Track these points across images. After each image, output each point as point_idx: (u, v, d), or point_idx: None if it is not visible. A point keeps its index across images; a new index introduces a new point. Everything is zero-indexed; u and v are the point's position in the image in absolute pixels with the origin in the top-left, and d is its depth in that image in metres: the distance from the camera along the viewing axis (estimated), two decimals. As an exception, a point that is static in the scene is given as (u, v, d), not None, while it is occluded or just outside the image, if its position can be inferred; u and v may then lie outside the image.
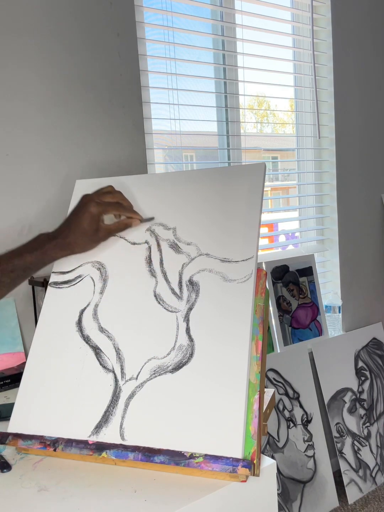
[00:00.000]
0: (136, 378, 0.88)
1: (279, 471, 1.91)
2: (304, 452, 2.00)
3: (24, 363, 1.36)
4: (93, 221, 0.98)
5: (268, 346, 1.98)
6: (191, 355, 0.87)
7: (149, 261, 0.99)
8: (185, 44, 1.87)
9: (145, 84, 1.71)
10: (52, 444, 0.85)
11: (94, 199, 0.99)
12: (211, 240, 0.97)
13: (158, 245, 1.00)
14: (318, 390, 2.14)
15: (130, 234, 1.03)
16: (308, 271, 2.19)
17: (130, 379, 0.88)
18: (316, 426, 2.06)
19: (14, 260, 0.94)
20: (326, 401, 2.14)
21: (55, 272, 1.04)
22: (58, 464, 0.85)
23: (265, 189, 1.08)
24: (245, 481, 0.77)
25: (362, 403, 2.25)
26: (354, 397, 2.23)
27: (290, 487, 1.93)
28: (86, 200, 1.00)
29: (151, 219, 1.04)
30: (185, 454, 0.79)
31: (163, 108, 1.82)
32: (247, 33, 2.03)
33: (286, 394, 2.01)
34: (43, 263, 0.99)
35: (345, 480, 2.09)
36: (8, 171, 1.41)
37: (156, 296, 0.95)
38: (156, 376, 0.87)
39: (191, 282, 0.94)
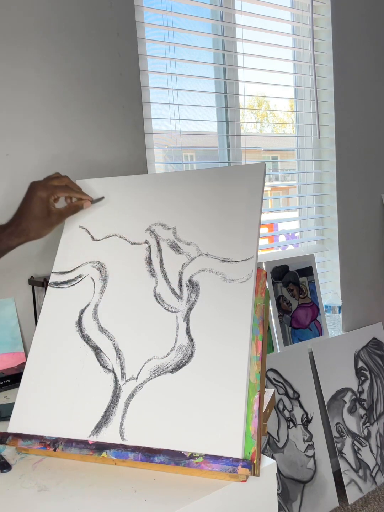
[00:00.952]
0: (136, 378, 0.88)
1: (279, 471, 1.91)
2: (304, 452, 2.00)
3: (24, 363, 1.36)
4: (43, 205, 1.01)
5: (268, 346, 1.98)
6: (191, 355, 0.87)
7: (149, 261, 0.99)
8: (185, 44, 1.87)
9: (145, 84, 1.71)
10: (52, 444, 0.85)
11: (41, 184, 1.03)
12: (211, 240, 0.97)
13: (158, 245, 1.00)
14: (318, 390, 2.14)
15: (130, 234, 1.03)
16: (308, 271, 2.19)
17: (130, 379, 0.88)
18: (316, 426, 2.06)
19: None
20: (326, 401, 2.14)
21: (55, 272, 1.04)
22: (58, 464, 0.85)
23: (265, 189, 1.08)
24: (245, 481, 0.77)
25: (362, 403, 2.25)
26: (354, 397, 2.23)
27: (290, 487, 1.93)
28: (33, 186, 1.04)
29: (101, 198, 1.06)
30: (185, 454, 0.79)
31: (163, 108, 1.82)
32: (247, 33, 2.03)
33: (286, 394, 2.01)
34: (0, 252, 1.03)
35: (345, 480, 2.09)
36: (8, 171, 1.41)
37: (156, 296, 0.95)
38: (156, 376, 0.87)
39: (191, 282, 0.94)
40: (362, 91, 2.36)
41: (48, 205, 1.02)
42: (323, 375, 2.16)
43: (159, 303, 0.94)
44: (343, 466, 2.10)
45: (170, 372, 0.87)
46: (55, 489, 0.78)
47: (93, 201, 1.07)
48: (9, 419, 0.91)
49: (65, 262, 1.04)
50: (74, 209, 1.06)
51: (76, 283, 1.01)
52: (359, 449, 2.18)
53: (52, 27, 1.45)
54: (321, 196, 2.36)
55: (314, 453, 2.03)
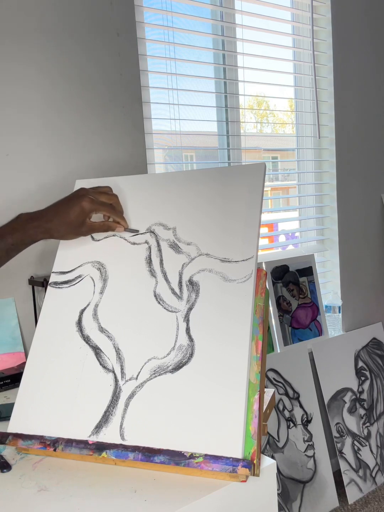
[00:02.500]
0: (136, 378, 0.88)
1: (279, 471, 1.91)
2: (304, 452, 2.00)
3: (24, 363, 1.36)
4: (82, 215, 0.99)
5: (268, 346, 1.98)
6: (191, 355, 0.87)
7: (149, 261, 0.99)
8: (185, 44, 1.87)
9: (145, 84, 1.71)
10: (52, 444, 0.85)
11: (89, 195, 1.00)
12: (211, 240, 0.97)
13: (158, 245, 1.00)
14: (318, 390, 2.14)
15: (130, 234, 1.03)
16: (308, 271, 2.19)
17: (130, 379, 0.88)
18: (316, 426, 2.06)
19: None
20: (326, 401, 2.14)
21: (55, 272, 1.04)
22: (58, 464, 0.85)
23: (265, 189, 1.08)
24: (245, 481, 0.77)
25: (362, 403, 2.25)
26: (354, 397, 2.23)
27: (290, 487, 1.93)
28: (81, 193, 1.00)
29: (137, 231, 1.03)
30: (185, 454, 0.79)
31: (163, 108, 1.82)
32: (247, 33, 2.03)
33: (286, 394, 2.01)
34: (24, 244, 1.01)
35: (345, 480, 2.09)
36: (8, 171, 1.41)
37: (156, 296, 0.95)
38: (156, 376, 0.87)
39: (191, 282, 0.94)
40: (362, 91, 2.36)
41: (85, 217, 0.99)
42: (323, 375, 2.16)
43: (159, 303, 0.94)
44: (343, 466, 2.10)
45: (170, 372, 0.87)
46: (55, 489, 0.78)
47: (126, 229, 1.03)
48: (9, 419, 0.91)
49: (65, 262, 1.04)
50: (106, 228, 1.03)
51: (76, 283, 1.01)
52: (359, 449, 2.18)
53: (52, 27, 1.45)
54: (321, 196, 2.36)
55: (314, 453, 2.03)
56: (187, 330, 0.90)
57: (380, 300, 2.52)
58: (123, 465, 0.82)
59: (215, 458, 0.77)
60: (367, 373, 2.31)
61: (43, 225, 1.00)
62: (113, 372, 0.90)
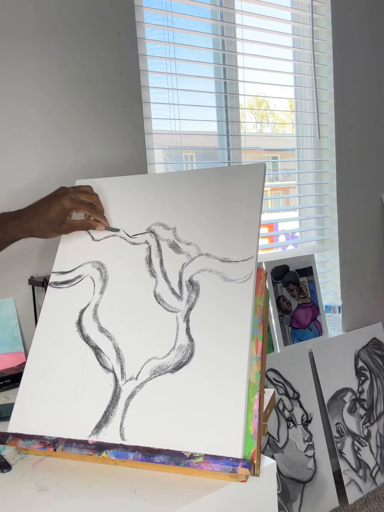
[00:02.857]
0: (136, 378, 0.88)
1: (279, 471, 1.91)
2: (304, 452, 2.00)
3: (24, 363, 1.36)
4: (62, 213, 1.00)
5: (268, 346, 1.98)
6: (191, 355, 0.87)
7: (149, 261, 0.99)
8: (185, 44, 1.87)
9: (145, 84, 1.71)
10: (52, 444, 0.85)
11: (70, 194, 1.01)
12: (211, 240, 0.97)
13: (158, 245, 1.00)
14: (318, 390, 2.14)
15: (130, 234, 1.03)
16: (308, 271, 2.19)
17: (130, 379, 0.88)
18: (316, 426, 2.06)
19: None
20: (326, 401, 2.14)
21: (55, 272, 1.04)
22: (58, 464, 0.85)
23: (265, 189, 1.08)
24: (245, 481, 0.77)
25: (362, 403, 2.25)
26: (354, 397, 2.23)
27: (290, 487, 1.93)
28: (62, 192, 1.02)
29: (117, 230, 1.05)
30: (185, 454, 0.79)
31: (163, 108, 1.82)
32: (247, 33, 2.03)
33: (286, 394, 2.01)
34: (4, 242, 1.03)
35: (345, 480, 2.09)
36: (8, 171, 1.41)
37: (156, 296, 0.95)
38: (156, 376, 0.87)
39: (191, 282, 0.94)
40: (362, 91, 2.36)
41: (65, 215, 1.01)
42: (323, 375, 2.16)
43: (159, 303, 0.94)
44: (343, 466, 2.10)
45: (170, 372, 0.87)
46: (55, 489, 0.78)
47: (107, 229, 1.05)
48: (9, 419, 0.91)
49: (65, 262, 1.04)
50: (87, 226, 1.05)
51: (76, 283, 1.01)
52: (359, 449, 2.18)
53: (52, 27, 1.45)
54: (321, 196, 2.36)
55: (314, 453, 2.03)
56: (187, 330, 0.90)
57: (380, 300, 2.52)
58: (123, 465, 0.82)
59: (215, 458, 0.77)
60: (367, 373, 2.31)
61: (24, 224, 1.01)
62: (113, 372, 0.90)
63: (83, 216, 1.06)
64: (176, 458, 0.79)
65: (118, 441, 0.83)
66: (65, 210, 1.00)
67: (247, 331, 0.86)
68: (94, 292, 0.99)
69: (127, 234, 1.04)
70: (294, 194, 2.42)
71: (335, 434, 2.13)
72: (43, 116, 1.46)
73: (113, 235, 1.04)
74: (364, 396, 2.27)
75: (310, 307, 2.18)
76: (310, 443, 2.03)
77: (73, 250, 1.06)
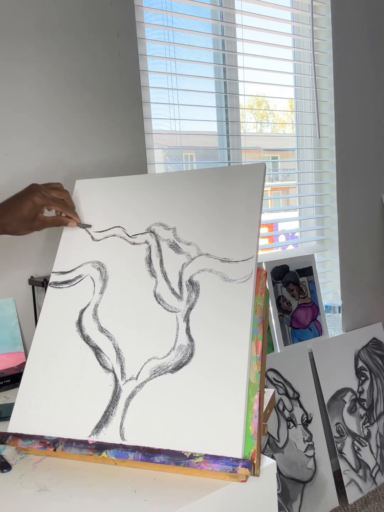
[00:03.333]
0: (136, 378, 0.88)
1: (279, 471, 1.91)
2: (304, 452, 2.00)
3: (24, 363, 1.36)
4: (34, 210, 1.02)
5: (268, 346, 1.98)
6: (191, 355, 0.87)
7: (149, 261, 0.99)
8: (185, 44, 1.87)
9: (145, 84, 1.71)
10: (52, 444, 0.85)
11: (41, 191, 1.03)
12: (211, 240, 0.97)
13: (158, 245, 1.00)
14: (318, 390, 2.14)
15: (130, 234, 1.03)
16: (308, 271, 2.19)
17: (130, 379, 0.88)
18: (316, 426, 2.06)
19: None
20: (326, 401, 2.14)
21: (55, 272, 1.04)
22: (58, 464, 0.85)
23: (265, 189, 1.08)
24: (245, 481, 0.77)
25: (362, 403, 2.25)
26: (354, 397, 2.23)
27: (290, 487, 1.93)
28: (33, 189, 1.04)
29: (89, 226, 1.07)
30: (185, 454, 0.79)
31: (163, 108, 1.82)
32: (247, 33, 2.03)
33: (286, 394, 2.01)
34: None
35: (345, 480, 2.09)
36: (8, 171, 1.41)
37: (156, 296, 0.95)
38: (156, 376, 0.87)
39: (191, 282, 0.94)
40: (362, 91, 2.36)
41: (37, 212, 1.03)
42: (323, 375, 2.16)
43: (159, 303, 0.94)
44: (343, 466, 2.10)
45: (170, 372, 0.87)
46: (55, 489, 0.78)
47: (79, 225, 1.07)
48: (9, 419, 0.91)
49: (65, 262, 1.04)
50: (58, 223, 1.06)
51: (76, 283, 1.01)
52: (359, 449, 2.18)
53: (52, 27, 1.45)
54: (321, 196, 2.36)
55: (314, 453, 2.03)
56: (187, 330, 0.90)
57: (380, 300, 2.52)
58: (123, 465, 0.82)
59: (215, 458, 0.77)
60: (367, 373, 2.31)
61: None
62: (113, 372, 0.90)
63: (54, 213, 1.08)
64: (176, 458, 0.79)
65: (118, 441, 0.83)
66: (37, 207, 1.02)
67: (247, 331, 0.86)
68: (94, 292, 0.99)
69: (127, 234, 1.04)
70: (294, 194, 2.42)
71: (335, 434, 2.13)
72: (43, 116, 1.46)
73: (113, 235, 1.04)
74: (364, 396, 2.27)
75: (310, 307, 2.18)
76: (310, 443, 2.03)
77: (73, 250, 1.06)
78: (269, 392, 0.97)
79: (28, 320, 1.44)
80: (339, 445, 2.12)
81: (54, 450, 0.85)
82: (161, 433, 0.82)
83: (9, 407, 0.96)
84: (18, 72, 1.41)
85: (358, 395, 2.24)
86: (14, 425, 0.90)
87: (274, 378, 1.98)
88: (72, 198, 1.10)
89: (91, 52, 1.54)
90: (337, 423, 2.14)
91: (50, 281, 1.04)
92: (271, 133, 2.34)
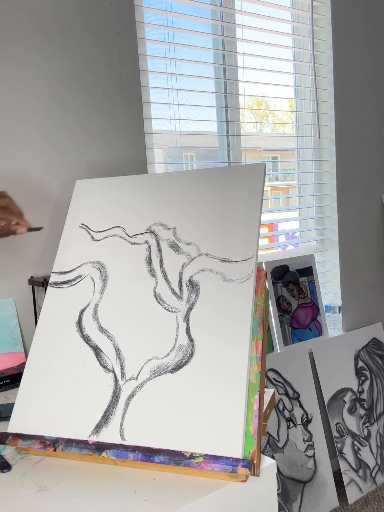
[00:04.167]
0: (136, 378, 0.88)
1: (279, 471, 1.91)
2: (304, 452, 2.00)
3: (24, 363, 1.36)
4: None
5: (268, 346, 1.98)
6: (191, 355, 0.87)
7: (149, 261, 0.99)
8: (185, 44, 1.87)
9: (145, 84, 1.71)
10: (52, 444, 0.85)
11: None
12: (211, 240, 0.97)
13: (158, 245, 1.00)
14: (318, 390, 2.14)
15: (130, 234, 1.03)
16: (308, 271, 2.19)
17: (130, 379, 0.88)
18: (316, 426, 2.06)
19: None
20: (326, 401, 2.14)
21: (55, 272, 1.04)
22: (58, 464, 0.85)
23: (265, 189, 1.08)
24: (245, 481, 0.77)
25: (362, 403, 2.25)
26: (354, 397, 2.23)
27: (290, 487, 1.93)
28: None
29: (40, 228, 1.06)
30: (185, 454, 0.79)
31: (163, 108, 1.82)
32: (247, 33, 2.03)
33: (286, 394, 2.01)
34: None
35: (345, 480, 2.09)
36: (7, 171, 1.41)
37: (156, 296, 0.95)
38: (156, 376, 0.87)
39: (191, 282, 0.94)
40: (362, 91, 2.36)
41: None
42: (323, 375, 2.16)
43: (159, 303, 0.94)
44: (343, 466, 2.10)
45: (170, 372, 0.87)
46: (55, 489, 0.78)
47: (29, 229, 1.04)
48: (9, 419, 0.91)
49: (65, 262, 1.04)
50: (5, 231, 1.04)
51: (76, 283, 1.01)
52: (359, 449, 2.18)
53: (52, 27, 1.45)
54: (321, 196, 2.36)
55: (314, 453, 2.03)
56: (187, 330, 0.90)
57: (380, 300, 2.52)
58: (123, 465, 0.82)
59: (215, 458, 0.77)
60: (367, 373, 2.31)
61: None
62: (113, 372, 0.90)
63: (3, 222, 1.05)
64: (176, 458, 0.79)
65: (118, 441, 0.83)
66: None
67: (247, 331, 0.86)
68: (94, 292, 0.99)
69: (127, 234, 1.04)
70: (294, 194, 2.42)
71: (335, 434, 2.13)
72: (42, 116, 1.46)
73: (113, 235, 1.04)
74: (364, 396, 2.27)
75: (310, 307, 2.18)
76: (310, 443, 2.03)
77: (73, 250, 1.06)
78: (269, 392, 0.97)
79: (28, 320, 1.44)
80: (339, 445, 2.12)
81: (54, 450, 0.85)
82: (161, 433, 0.82)
83: (9, 407, 0.96)
84: (18, 72, 1.41)
85: (358, 395, 2.24)
86: (14, 425, 0.90)
87: (274, 378, 1.98)
88: (16, 204, 1.05)
89: (91, 52, 1.54)
90: (337, 423, 2.14)
91: (50, 281, 1.04)
92: (271, 133, 2.33)
